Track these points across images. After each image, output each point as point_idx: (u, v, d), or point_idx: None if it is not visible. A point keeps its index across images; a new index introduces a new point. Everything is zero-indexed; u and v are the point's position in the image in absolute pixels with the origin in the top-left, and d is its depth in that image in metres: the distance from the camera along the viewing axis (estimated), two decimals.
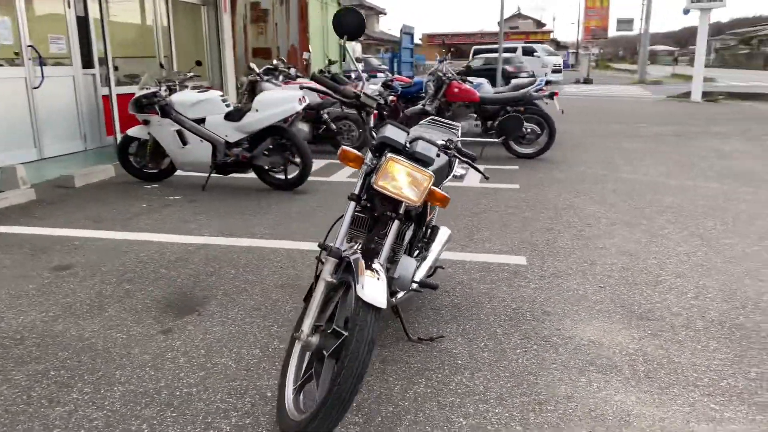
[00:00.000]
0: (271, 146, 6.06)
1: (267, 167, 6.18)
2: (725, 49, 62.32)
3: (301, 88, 7.60)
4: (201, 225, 4.97)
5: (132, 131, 6.42)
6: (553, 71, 29.07)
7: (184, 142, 6.12)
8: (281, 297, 3.49)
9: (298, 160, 6.12)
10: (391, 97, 10.73)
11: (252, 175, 6.38)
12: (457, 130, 3.60)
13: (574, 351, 2.89)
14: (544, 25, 61.12)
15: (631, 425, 2.31)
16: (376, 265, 2.16)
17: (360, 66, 16.55)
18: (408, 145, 2.33)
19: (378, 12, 48.83)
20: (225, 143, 6.06)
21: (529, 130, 7.96)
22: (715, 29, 59.91)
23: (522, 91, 7.97)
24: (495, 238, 4.57)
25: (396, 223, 2.36)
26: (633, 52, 78.99)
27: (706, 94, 17.71)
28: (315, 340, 2.20)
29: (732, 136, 10.14)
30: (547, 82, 8.18)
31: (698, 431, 2.27)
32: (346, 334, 2.09)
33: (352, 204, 2.36)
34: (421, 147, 2.32)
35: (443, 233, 3.31)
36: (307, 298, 2.51)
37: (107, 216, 5.27)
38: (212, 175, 6.23)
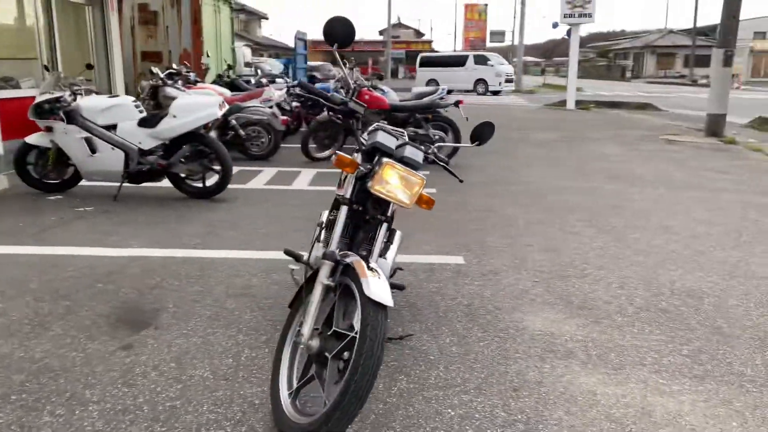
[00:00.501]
0: (189, 153, 5.88)
1: (184, 175, 5.99)
2: (585, 61, 67.54)
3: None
4: (125, 236, 4.73)
5: (31, 139, 5.96)
6: (506, 80, 28.63)
7: (93, 150, 5.79)
8: (237, 306, 3.44)
9: (217, 167, 5.98)
10: (295, 103, 10.70)
11: (165, 183, 6.15)
12: (405, 136, 3.73)
13: (531, 340, 3.10)
14: (423, 34, 63.13)
15: (599, 404, 2.54)
16: (374, 266, 2.23)
17: (249, 71, 16.33)
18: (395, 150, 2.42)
19: (260, 17, 48.18)
20: (138, 151, 5.80)
21: (437, 137, 8.29)
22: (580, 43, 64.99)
23: (429, 98, 8.29)
24: (431, 240, 4.76)
25: (385, 225, 2.44)
26: None
27: (578, 103, 19.19)
28: (315, 343, 2.23)
29: (609, 141, 11.11)
30: (449, 91, 8.55)
31: (656, 404, 2.55)
32: (352, 334, 2.14)
33: (345, 208, 2.41)
34: (409, 152, 2.42)
35: (398, 236, 3.43)
36: (293, 305, 2.52)
37: (14, 230, 4.88)
38: (124, 184, 5.94)
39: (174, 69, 8.37)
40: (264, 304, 3.49)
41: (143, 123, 5.81)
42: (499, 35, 45.95)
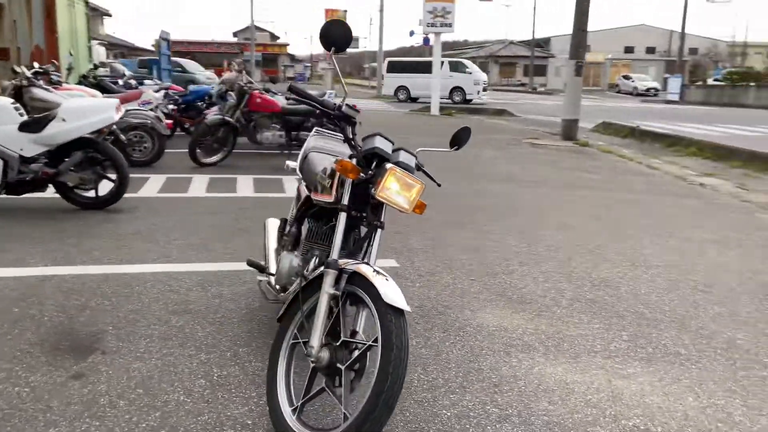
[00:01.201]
0: (80, 160, 5.38)
1: (74, 184, 5.46)
2: None
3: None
4: (22, 254, 4.23)
5: None
6: (484, 89, 26.36)
7: None
8: (185, 323, 3.22)
9: (113, 175, 5.52)
10: (171, 106, 10.20)
11: (48, 194, 5.57)
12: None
13: (490, 337, 3.23)
14: (278, 38, 62.44)
15: (574, 391, 2.71)
16: (380, 270, 2.20)
17: (105, 71, 15.20)
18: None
19: (103, 13, 44.93)
20: (20, 158, 5.21)
21: None
22: (425, 51, 67.75)
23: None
24: None
25: (379, 231, 2.41)
26: (359, 68, 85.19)
27: (441, 109, 20.05)
28: (326, 354, 2.16)
29: (482, 145, 11.75)
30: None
31: (621, 387, 2.77)
32: (368, 342, 2.10)
33: (344, 215, 2.35)
34: (404, 157, 2.42)
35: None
36: (281, 319, 2.42)
37: None
38: (1, 196, 5.30)
39: (40, 68, 7.57)
40: (213, 319, 3.30)
41: (25, 127, 5.22)
42: (354, 41, 46.68)
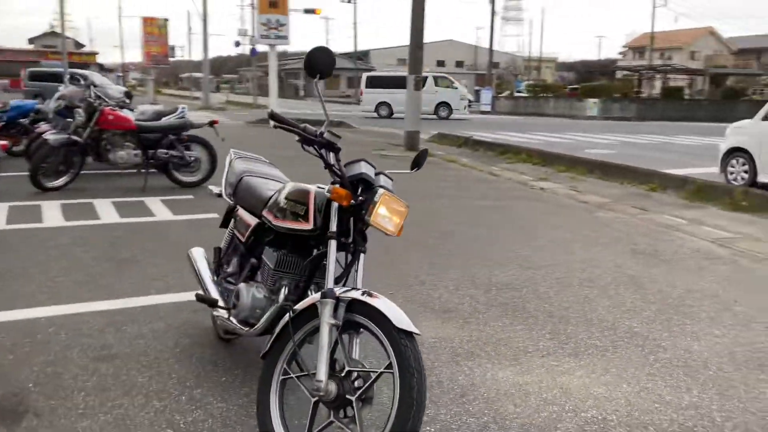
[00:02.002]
0: None
1: None
2: (258, 78, 69.85)
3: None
4: None
5: None
6: (469, 104, 24.92)
7: None
8: (117, 370, 2.92)
9: None
10: None
11: None
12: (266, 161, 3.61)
13: (434, 349, 3.34)
14: (83, 45, 57.57)
15: (531, 392, 2.91)
16: (378, 296, 2.19)
17: None
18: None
19: None
20: None
21: (193, 158, 7.90)
22: (246, 61, 66.67)
23: (170, 118, 7.84)
24: None
25: (362, 256, 2.40)
26: (175, 79, 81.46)
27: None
28: (333, 387, 2.11)
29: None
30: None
31: (567, 383, 3.03)
32: (380, 370, 2.09)
33: (334, 242, 2.30)
34: (384, 181, 2.43)
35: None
36: (266, 355, 2.32)
37: None
38: None
39: None
40: (147, 362, 3.03)
41: None
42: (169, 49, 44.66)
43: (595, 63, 73.76)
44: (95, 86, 7.73)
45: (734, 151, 9.57)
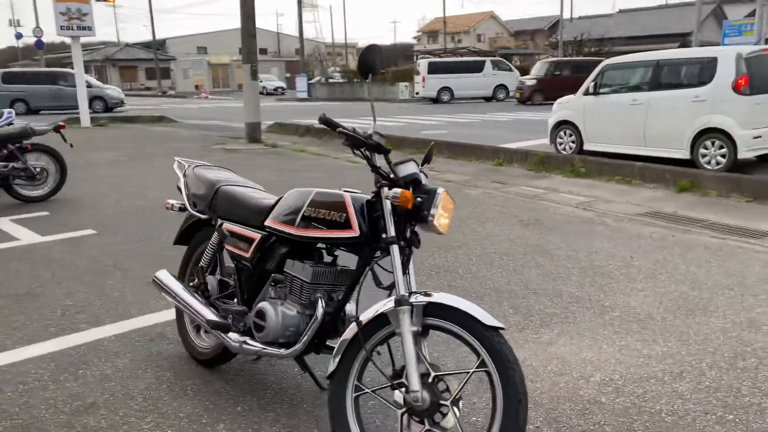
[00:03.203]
0: None
1: None
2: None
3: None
4: None
5: None
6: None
7: None
8: (111, 423, 2.53)
9: None
10: None
11: None
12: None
13: None
14: None
15: (536, 368, 3.08)
16: (453, 296, 2.16)
17: None
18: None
19: None
20: None
21: (39, 170, 6.93)
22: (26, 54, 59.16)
23: (20, 124, 6.82)
24: None
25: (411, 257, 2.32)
26: None
27: (124, 119, 18.11)
28: (426, 395, 2.06)
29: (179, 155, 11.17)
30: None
31: (558, 352, 3.24)
32: (473, 370, 2.08)
33: (396, 247, 2.20)
34: (425, 180, 2.36)
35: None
36: (334, 374, 2.19)
37: None
38: None
39: None
40: (138, 405, 2.69)
41: None
42: None
43: (390, 47, 77.02)
44: None
45: (562, 124, 10.67)
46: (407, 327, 2.10)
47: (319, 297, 2.43)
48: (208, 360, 3.03)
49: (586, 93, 10.23)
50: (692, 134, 8.73)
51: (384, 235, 2.24)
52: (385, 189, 2.21)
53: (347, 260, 2.53)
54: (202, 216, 2.98)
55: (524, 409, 2.00)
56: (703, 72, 8.71)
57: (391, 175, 2.24)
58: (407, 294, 2.15)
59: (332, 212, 2.34)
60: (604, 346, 3.31)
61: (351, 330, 2.22)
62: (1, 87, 22.66)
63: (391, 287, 2.26)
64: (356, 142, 2.24)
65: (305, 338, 2.38)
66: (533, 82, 24.92)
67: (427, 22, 68.94)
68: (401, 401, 2.16)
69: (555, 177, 8.76)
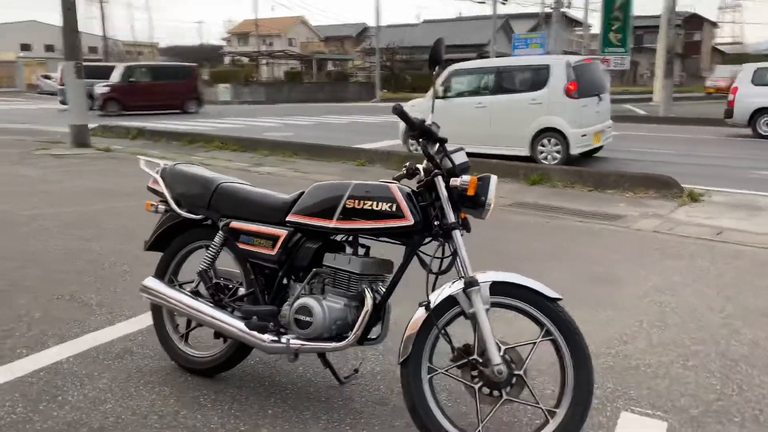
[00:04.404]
0: None
1: None
2: None
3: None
4: None
5: None
6: None
7: None
8: None
9: None
10: None
11: None
12: None
13: None
14: None
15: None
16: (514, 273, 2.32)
17: None
18: None
19: None
20: None
21: None
22: None
23: None
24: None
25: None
26: None
27: None
28: (504, 368, 2.20)
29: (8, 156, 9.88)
30: None
31: (595, 329, 3.55)
32: (539, 339, 2.25)
33: (458, 232, 2.28)
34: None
35: None
36: (407, 360, 2.23)
37: None
38: None
39: None
40: (157, 425, 2.44)
41: None
42: None
43: (197, 48, 74.25)
44: None
45: None
46: (481, 306, 2.22)
47: (365, 288, 2.45)
48: (207, 369, 2.85)
49: (435, 96, 10.94)
50: (532, 133, 9.79)
51: (436, 222, 2.34)
52: (449, 177, 2.31)
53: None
54: (194, 216, 2.80)
55: (592, 369, 2.23)
56: (539, 78, 9.81)
57: (434, 164, 2.35)
58: (472, 276, 2.27)
59: (381, 203, 2.38)
60: (627, 320, 3.62)
61: (420, 314, 2.29)
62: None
63: (444, 272, 2.37)
64: (424, 132, 2.31)
65: (359, 330, 2.39)
66: (106, 89, 21.87)
67: (235, 24, 67.46)
68: (470, 378, 2.28)
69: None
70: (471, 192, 2.28)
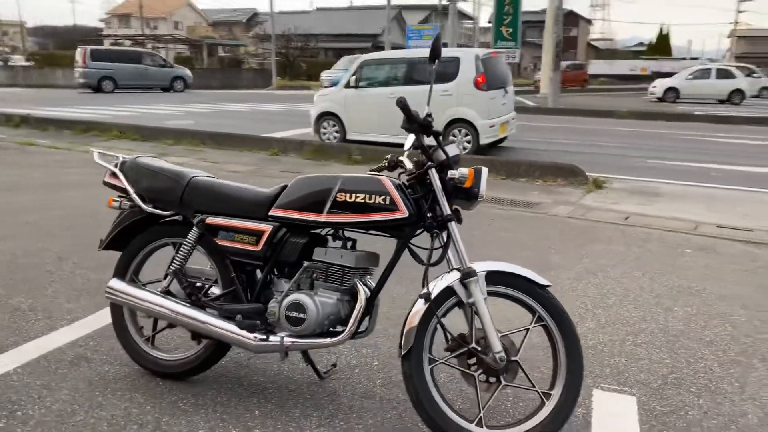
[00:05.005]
0: None
1: None
2: None
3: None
4: None
5: None
6: None
7: None
8: None
9: None
10: None
11: None
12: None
13: None
14: None
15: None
16: (494, 262, 2.39)
17: None
18: None
19: None
20: None
21: None
22: None
23: None
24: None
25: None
26: None
27: None
28: (503, 354, 2.26)
29: None
30: None
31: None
32: (531, 326, 2.34)
33: (453, 223, 2.31)
34: None
35: None
36: (409, 353, 2.25)
37: None
38: None
39: None
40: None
41: None
42: None
43: (71, 29, 69.21)
44: None
45: (324, 115, 11.20)
46: (480, 295, 2.28)
47: (356, 282, 2.43)
48: (179, 372, 2.71)
49: (347, 86, 10.91)
50: (443, 124, 10.03)
51: (429, 214, 2.36)
52: (442, 169, 2.33)
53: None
54: (162, 213, 2.64)
55: (582, 352, 2.35)
56: (449, 70, 10.04)
57: (432, 156, 2.37)
58: (470, 266, 2.32)
59: (373, 196, 2.36)
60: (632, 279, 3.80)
61: (419, 306, 2.31)
62: (90, 64, 24.10)
63: (437, 263, 2.40)
64: (423, 126, 2.32)
65: (353, 325, 2.37)
66: None
67: (114, 5, 63.44)
68: (467, 366, 2.34)
69: (336, 165, 9.22)
70: (468, 184, 2.32)
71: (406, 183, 2.42)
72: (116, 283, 2.66)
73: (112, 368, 2.81)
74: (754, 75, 28.99)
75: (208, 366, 2.71)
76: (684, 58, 51.59)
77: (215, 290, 2.68)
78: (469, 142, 9.93)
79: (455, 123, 10.00)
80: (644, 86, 30.67)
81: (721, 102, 24.78)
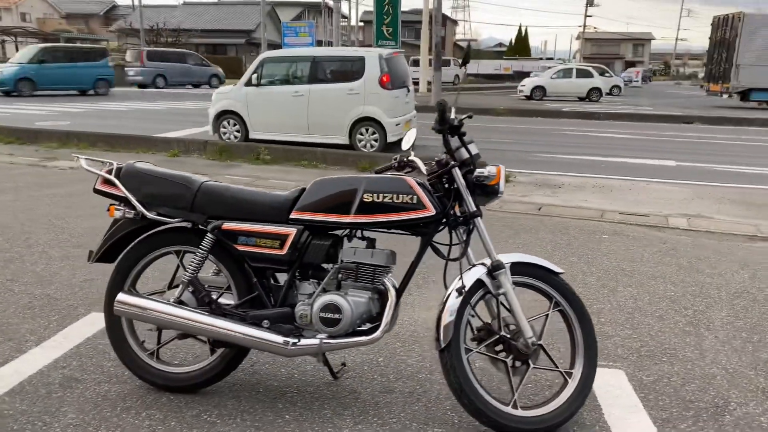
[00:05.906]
0: None
1: None
2: None
3: None
4: None
5: None
6: None
7: None
8: None
9: None
10: None
11: None
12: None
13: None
14: None
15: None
16: (512, 253, 2.54)
17: None
18: None
19: None
20: None
21: None
22: None
23: None
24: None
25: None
26: None
27: None
28: (533, 339, 2.42)
29: None
30: None
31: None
32: (549, 311, 2.52)
33: (479, 219, 2.40)
34: None
35: None
36: (449, 346, 2.33)
37: None
38: None
39: None
40: None
41: None
42: None
43: None
44: None
45: (224, 114, 10.86)
46: (509, 286, 2.42)
47: (385, 280, 2.48)
48: (191, 385, 2.60)
49: (248, 84, 10.65)
50: (350, 122, 10.12)
51: (452, 211, 2.47)
52: (465, 168, 2.44)
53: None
54: (169, 220, 2.53)
55: (594, 332, 2.56)
56: (354, 68, 10.15)
57: (454, 155, 2.47)
58: (498, 259, 2.45)
59: (400, 195, 2.42)
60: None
61: (453, 299, 2.40)
62: (147, 64, 27.77)
63: (459, 258, 2.51)
64: (453, 128, 2.40)
65: (386, 322, 2.41)
66: None
67: None
68: (495, 353, 2.47)
69: (245, 166, 9.01)
70: (496, 181, 2.45)
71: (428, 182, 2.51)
72: (126, 297, 2.50)
73: (110, 387, 2.64)
74: (606, 74, 31.81)
75: (222, 377, 2.63)
76: (541, 58, 55.50)
77: (223, 299, 2.61)
78: (376, 140, 10.09)
79: (362, 122, 10.12)
80: (510, 85, 32.56)
81: (581, 99, 26.97)
